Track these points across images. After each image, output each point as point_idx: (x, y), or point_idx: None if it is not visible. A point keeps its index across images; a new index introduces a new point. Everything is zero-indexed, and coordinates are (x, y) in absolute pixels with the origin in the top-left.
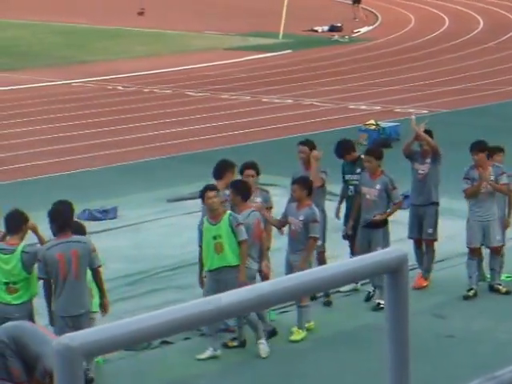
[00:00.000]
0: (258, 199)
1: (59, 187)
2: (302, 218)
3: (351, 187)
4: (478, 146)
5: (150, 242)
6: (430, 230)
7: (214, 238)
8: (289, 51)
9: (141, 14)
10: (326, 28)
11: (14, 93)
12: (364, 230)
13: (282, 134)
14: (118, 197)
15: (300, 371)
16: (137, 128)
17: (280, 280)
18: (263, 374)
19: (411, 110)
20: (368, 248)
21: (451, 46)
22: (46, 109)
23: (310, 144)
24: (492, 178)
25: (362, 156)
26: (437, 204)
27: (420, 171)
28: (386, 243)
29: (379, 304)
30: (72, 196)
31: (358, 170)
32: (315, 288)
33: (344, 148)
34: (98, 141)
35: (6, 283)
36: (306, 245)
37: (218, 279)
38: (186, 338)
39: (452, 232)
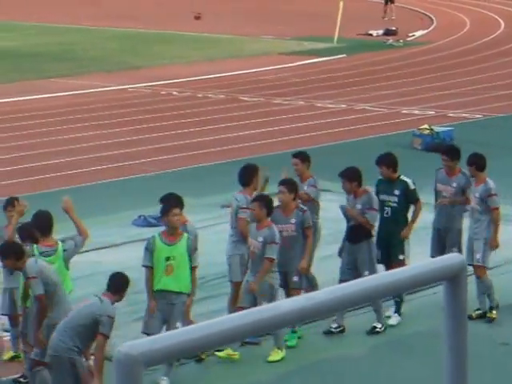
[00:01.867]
0: (293, 220)
1: (115, 193)
2: (261, 239)
3: (387, 209)
4: (468, 159)
5: (203, 248)
6: (455, 250)
7: (167, 259)
8: (343, 55)
9: (197, 18)
10: (380, 32)
11: (71, 98)
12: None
13: (335, 139)
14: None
15: (353, 379)
16: (190, 133)
17: (337, 288)
18: (314, 382)
19: (465, 115)
20: (355, 266)
21: (508, 49)
22: (101, 114)
23: (301, 156)
24: (477, 195)
25: (402, 177)
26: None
27: (444, 193)
28: (370, 260)
29: (375, 328)
30: (127, 202)
31: (397, 192)
32: (373, 295)
33: (391, 162)
34: (152, 146)
35: None
36: (262, 266)
37: (163, 302)
38: (240, 346)
39: (506, 238)
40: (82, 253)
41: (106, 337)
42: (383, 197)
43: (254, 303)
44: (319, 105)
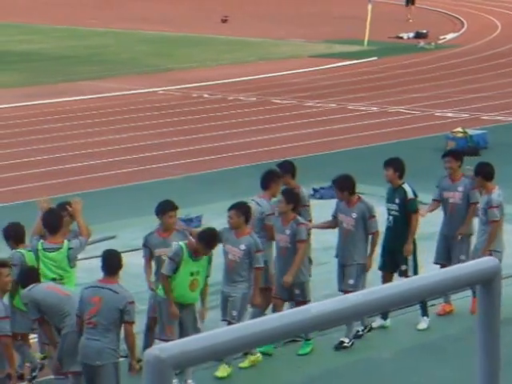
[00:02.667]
0: (288, 231)
1: (144, 195)
2: (243, 247)
3: (390, 217)
4: (475, 169)
5: None
6: (463, 257)
7: (192, 274)
8: (374, 58)
9: (224, 21)
10: (411, 35)
11: (101, 101)
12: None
13: (368, 141)
14: (203, 205)
15: (382, 382)
16: (221, 136)
17: (370, 291)
18: None
19: (499, 117)
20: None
21: None
22: (132, 117)
23: (282, 168)
24: (482, 205)
25: (404, 185)
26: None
27: (451, 200)
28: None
29: (343, 342)
30: (155, 204)
31: (398, 200)
32: (406, 299)
33: (400, 166)
34: (183, 149)
35: (54, 279)
36: (254, 276)
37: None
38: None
39: None
40: None
41: (133, 323)
42: (387, 205)
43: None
44: (351, 107)
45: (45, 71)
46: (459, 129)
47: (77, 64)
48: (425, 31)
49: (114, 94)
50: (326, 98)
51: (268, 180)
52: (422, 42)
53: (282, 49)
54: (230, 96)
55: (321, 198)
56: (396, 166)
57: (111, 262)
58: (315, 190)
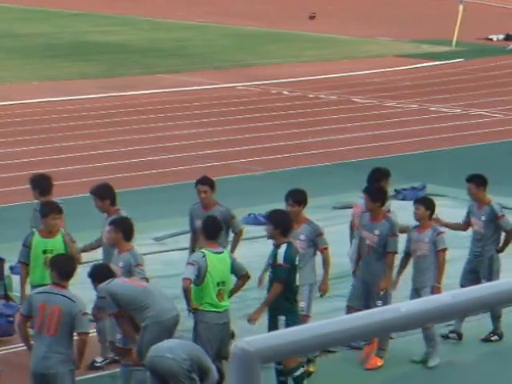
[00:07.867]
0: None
1: (221, 191)
2: (121, 264)
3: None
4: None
5: None
6: (379, 303)
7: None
8: (461, 60)
9: (312, 18)
10: (501, 37)
11: (180, 95)
12: None
13: (449, 144)
14: (283, 202)
15: None
16: (299, 134)
17: (462, 291)
18: None
19: None
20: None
21: None
22: (208, 112)
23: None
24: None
25: (283, 244)
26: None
27: (367, 242)
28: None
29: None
30: (234, 201)
31: (271, 260)
32: (500, 301)
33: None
34: (259, 146)
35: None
36: None
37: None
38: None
39: None
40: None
41: None
42: (268, 264)
43: None
44: (433, 109)
45: (126, 63)
46: None
47: (158, 57)
48: None
49: (192, 88)
50: (408, 99)
51: (375, 179)
52: (511, 45)
53: (368, 47)
54: (311, 94)
55: (403, 199)
56: (277, 221)
57: None
58: (397, 192)
